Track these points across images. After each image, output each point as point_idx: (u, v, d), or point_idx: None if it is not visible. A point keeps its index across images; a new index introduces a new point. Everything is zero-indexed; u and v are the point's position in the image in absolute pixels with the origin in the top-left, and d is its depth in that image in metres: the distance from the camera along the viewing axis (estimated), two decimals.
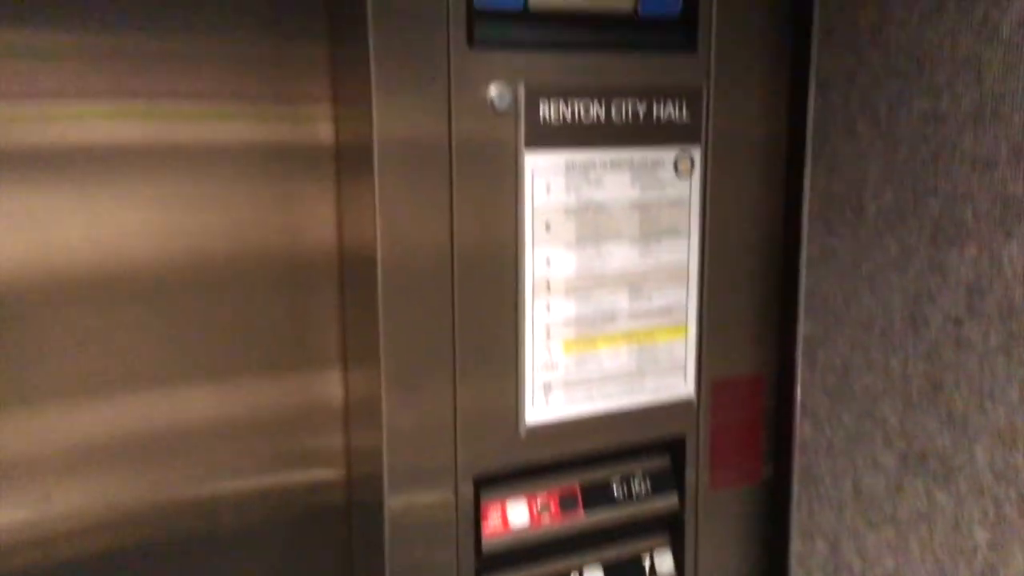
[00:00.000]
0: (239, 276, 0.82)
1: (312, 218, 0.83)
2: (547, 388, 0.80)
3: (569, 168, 0.77)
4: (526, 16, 0.75)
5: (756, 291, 0.88)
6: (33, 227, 0.74)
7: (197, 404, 0.82)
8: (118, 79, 0.75)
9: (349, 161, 0.80)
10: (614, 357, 0.82)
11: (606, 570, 0.86)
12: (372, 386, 0.77)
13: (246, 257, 0.82)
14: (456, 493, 0.78)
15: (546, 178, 0.77)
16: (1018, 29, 0.65)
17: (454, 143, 0.73)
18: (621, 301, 0.81)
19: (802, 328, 0.87)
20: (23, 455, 0.76)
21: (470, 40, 0.72)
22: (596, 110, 0.77)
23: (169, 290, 0.79)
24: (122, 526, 0.80)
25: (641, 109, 0.79)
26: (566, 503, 0.83)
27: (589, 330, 0.81)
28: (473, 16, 0.72)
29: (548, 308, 0.79)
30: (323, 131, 0.82)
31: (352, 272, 0.82)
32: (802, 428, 0.88)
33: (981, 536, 0.71)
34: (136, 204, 0.77)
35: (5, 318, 0.74)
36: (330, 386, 0.87)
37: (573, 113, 0.77)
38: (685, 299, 0.84)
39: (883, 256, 0.78)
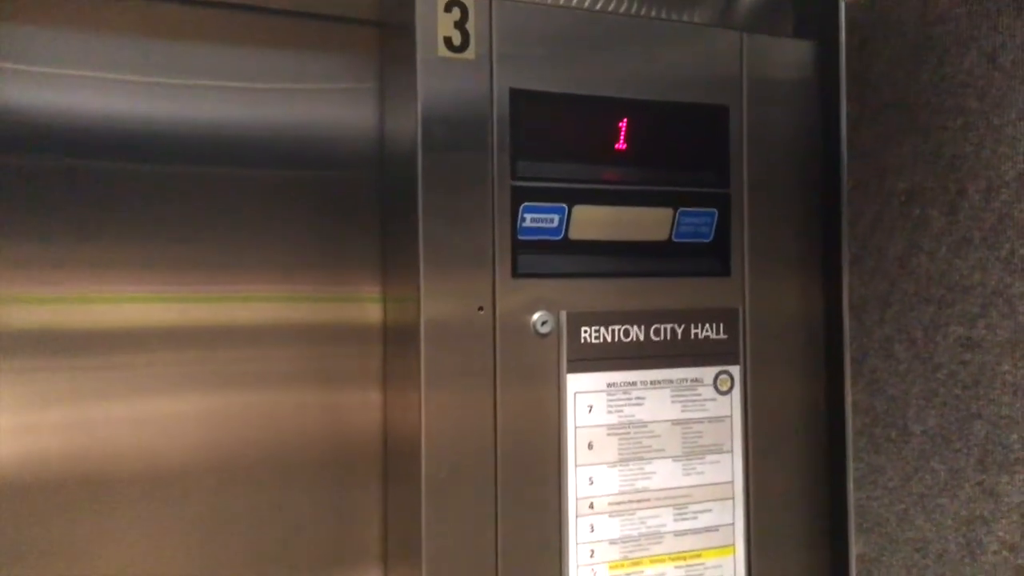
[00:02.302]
0: (282, 465, 0.81)
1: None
2: None
3: (610, 388, 0.79)
4: (566, 245, 0.79)
5: (804, 508, 0.87)
6: (78, 411, 0.75)
7: None
8: (185, 283, 0.79)
9: (396, 379, 0.83)
10: None
11: None
12: None
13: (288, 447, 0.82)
14: None
15: (588, 398, 0.79)
16: None
17: (499, 365, 0.76)
18: (666, 520, 0.81)
19: (854, 548, 0.84)
20: None
21: (514, 271, 0.77)
22: (635, 333, 0.80)
23: (206, 483, 0.79)
24: None
25: (679, 331, 0.82)
26: None
27: (634, 551, 0.80)
28: (517, 248, 0.77)
29: (592, 528, 0.78)
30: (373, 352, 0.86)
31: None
32: None
33: None
34: (178, 388, 0.78)
35: (46, 507, 0.74)
36: None
37: (613, 336, 0.80)
38: (731, 517, 0.83)
39: (932, 479, 0.77)
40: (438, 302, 0.74)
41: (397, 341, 0.81)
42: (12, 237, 0.73)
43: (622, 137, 0.81)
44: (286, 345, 0.81)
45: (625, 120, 0.80)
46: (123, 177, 0.76)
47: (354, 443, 0.84)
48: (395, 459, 0.82)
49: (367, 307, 0.84)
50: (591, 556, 0.78)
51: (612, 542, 0.79)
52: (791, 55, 0.88)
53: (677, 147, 0.84)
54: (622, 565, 0.79)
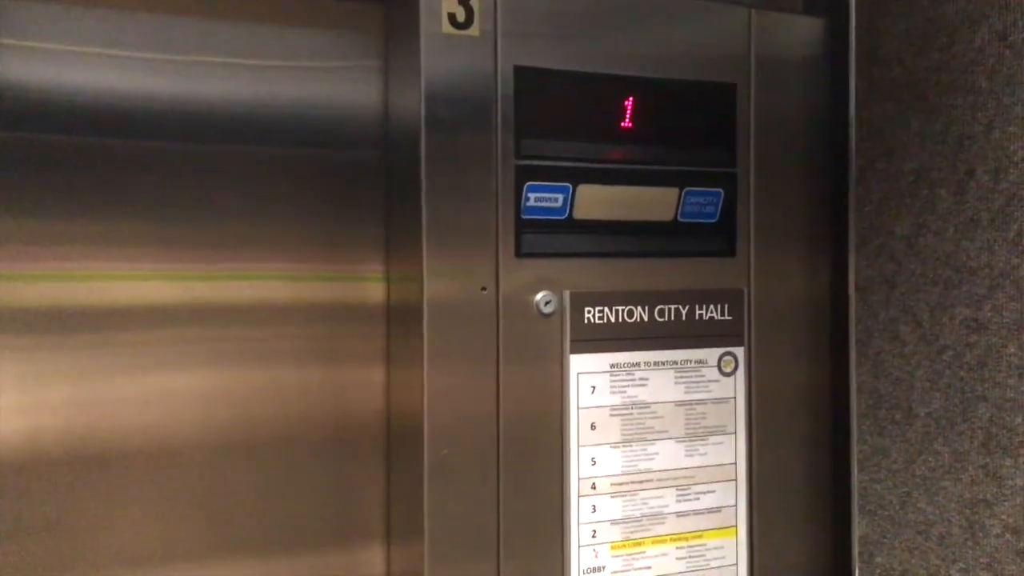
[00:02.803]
0: (285, 443, 0.82)
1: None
2: None
3: (614, 369, 0.79)
4: (570, 225, 0.79)
5: (807, 490, 0.87)
6: (83, 389, 0.76)
7: None
8: (189, 260, 0.79)
9: (399, 358, 0.83)
10: (662, 559, 0.80)
11: None
12: (415, 563, 0.76)
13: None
14: None
15: (591, 379, 0.78)
16: None
17: (501, 345, 0.76)
18: (668, 501, 0.81)
19: (856, 529, 0.84)
20: None
21: (518, 251, 0.76)
22: (639, 313, 0.80)
23: (210, 461, 0.79)
24: None
25: (684, 312, 0.81)
26: None
27: (636, 531, 0.80)
28: (521, 228, 0.76)
29: (594, 509, 0.78)
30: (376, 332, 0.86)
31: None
32: None
33: None
34: (181, 365, 0.78)
35: (50, 484, 0.74)
36: (373, 562, 0.85)
37: (617, 317, 0.79)
38: (734, 499, 0.83)
39: (936, 461, 0.76)
40: (441, 281, 0.74)
41: (400, 320, 0.81)
42: (18, 214, 0.73)
43: (628, 115, 0.80)
44: (289, 324, 0.81)
45: (631, 98, 0.80)
46: (125, 155, 0.76)
47: (357, 422, 0.84)
48: (398, 438, 0.82)
49: (370, 286, 0.84)
50: (593, 536, 0.78)
51: (614, 522, 0.79)
52: (800, 32, 0.87)
53: (683, 126, 0.83)
54: (624, 546, 0.79)
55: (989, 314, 0.72)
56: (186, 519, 0.79)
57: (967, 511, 0.74)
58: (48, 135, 0.74)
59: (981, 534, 0.73)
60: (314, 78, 0.81)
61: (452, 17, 0.74)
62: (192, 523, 0.79)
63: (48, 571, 0.75)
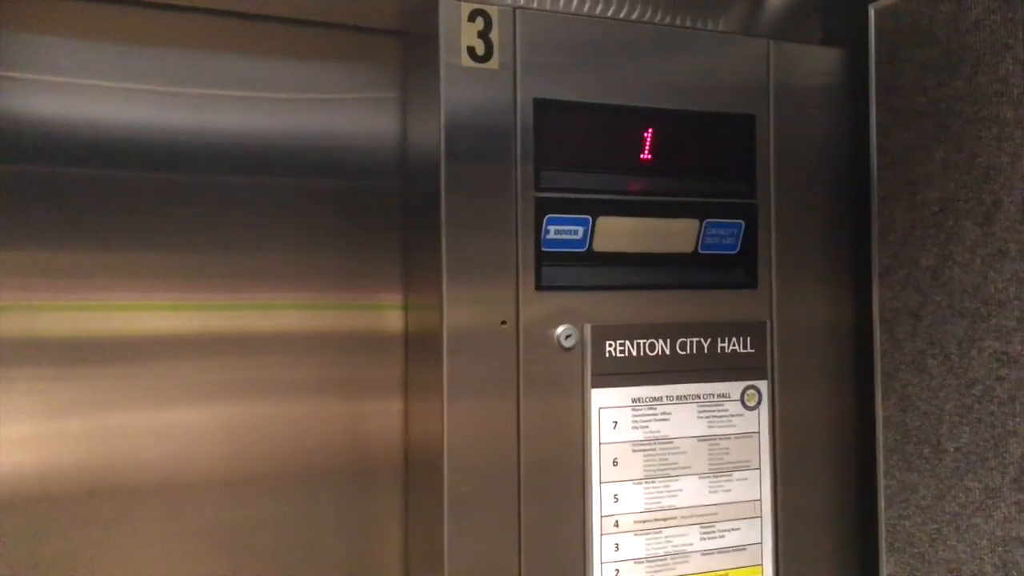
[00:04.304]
0: (304, 476, 0.81)
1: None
2: None
3: (635, 403, 0.78)
4: (590, 257, 0.78)
5: (833, 527, 0.85)
6: (99, 420, 0.75)
7: None
8: (206, 291, 0.78)
9: (417, 389, 0.82)
10: None
11: None
12: None
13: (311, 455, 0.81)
14: None
15: (613, 414, 0.77)
16: None
17: (522, 378, 0.75)
18: (692, 539, 0.79)
19: (885, 567, 0.82)
20: None
21: (538, 284, 0.75)
22: (661, 347, 0.79)
23: (226, 492, 0.78)
24: None
25: (706, 345, 0.80)
26: None
27: (660, 570, 0.78)
28: (541, 260, 0.76)
29: (617, 547, 0.77)
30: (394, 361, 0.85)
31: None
32: None
33: None
34: (197, 396, 0.77)
35: (63, 519, 0.74)
36: None
37: (638, 350, 0.78)
38: (759, 536, 0.81)
39: (966, 497, 0.75)
40: (461, 312, 0.73)
41: (419, 350, 0.80)
42: (36, 246, 0.73)
43: (647, 147, 0.79)
44: (305, 353, 0.81)
45: (650, 130, 0.79)
46: (144, 186, 0.76)
47: (374, 453, 0.83)
48: (417, 470, 0.81)
49: (388, 315, 0.83)
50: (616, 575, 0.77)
51: (637, 561, 0.77)
52: (818, 63, 0.86)
53: (703, 157, 0.82)
54: None
55: (1020, 347, 0.70)
56: (201, 552, 0.78)
57: (999, 549, 0.72)
58: (68, 168, 0.74)
59: (1015, 573, 0.71)
60: (332, 109, 0.81)
61: (472, 51, 0.74)
62: (207, 556, 0.78)
63: None
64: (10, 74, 0.72)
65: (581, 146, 0.78)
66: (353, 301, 0.82)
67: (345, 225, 0.82)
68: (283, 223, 0.80)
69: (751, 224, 0.83)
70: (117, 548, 0.75)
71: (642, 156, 0.79)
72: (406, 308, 0.83)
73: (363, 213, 0.83)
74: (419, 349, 0.80)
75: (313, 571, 0.81)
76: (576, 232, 0.77)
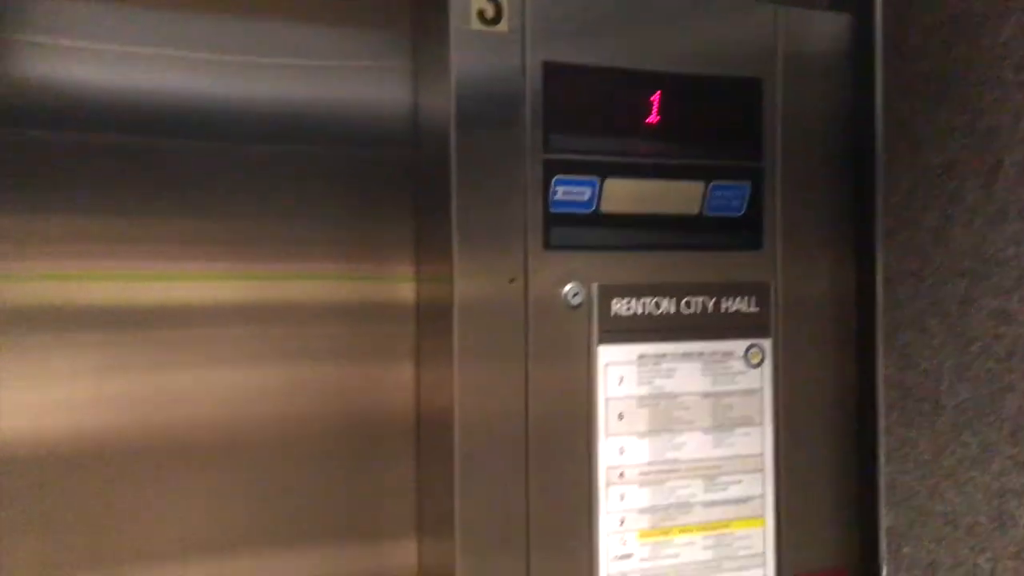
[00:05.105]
0: (321, 438, 0.83)
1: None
2: None
3: (641, 360, 0.80)
4: (597, 218, 0.80)
5: (834, 481, 0.87)
6: (137, 383, 0.78)
7: (268, 572, 0.82)
8: (231, 255, 0.81)
9: (429, 353, 0.84)
10: (690, 547, 0.81)
11: None
12: (446, 555, 0.78)
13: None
14: None
15: (619, 370, 0.79)
16: None
17: (530, 338, 0.77)
18: (696, 491, 0.82)
19: (884, 520, 0.85)
20: None
21: (547, 244, 0.77)
22: (666, 306, 0.81)
23: (252, 452, 0.81)
24: None
25: (710, 304, 0.82)
26: None
27: (664, 520, 0.81)
28: (549, 221, 0.78)
29: (622, 497, 0.79)
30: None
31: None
32: None
33: None
34: (228, 361, 0.80)
35: (103, 477, 0.76)
36: (405, 554, 0.86)
37: (644, 309, 0.80)
38: (761, 489, 0.84)
39: (964, 452, 0.77)
40: (471, 279, 0.75)
41: (430, 318, 0.82)
42: (80, 214, 0.75)
43: (655, 110, 0.81)
44: (321, 323, 0.83)
45: (658, 93, 0.81)
46: (149, 153, 0.77)
47: (388, 418, 0.85)
48: (428, 433, 0.83)
49: (400, 286, 0.85)
50: (621, 524, 0.79)
51: (642, 511, 0.80)
52: (826, 27, 0.87)
53: (710, 120, 0.83)
54: (652, 534, 0.80)
55: (1017, 305, 0.72)
56: (225, 511, 0.80)
57: (995, 501, 0.74)
58: (104, 135, 0.75)
59: (1010, 524, 0.73)
60: (343, 77, 0.83)
61: (481, 13, 0.75)
62: (231, 515, 0.81)
63: (108, 560, 0.77)
64: (52, 41, 0.74)
65: (589, 109, 0.79)
66: (366, 272, 0.84)
67: (356, 195, 0.83)
68: (294, 193, 0.81)
69: (756, 187, 0.84)
70: (161, 504, 0.78)
71: (649, 119, 0.81)
72: (417, 278, 0.85)
73: (375, 182, 0.84)
74: (430, 316, 0.82)
75: (331, 526, 0.84)
76: (583, 193, 0.79)
